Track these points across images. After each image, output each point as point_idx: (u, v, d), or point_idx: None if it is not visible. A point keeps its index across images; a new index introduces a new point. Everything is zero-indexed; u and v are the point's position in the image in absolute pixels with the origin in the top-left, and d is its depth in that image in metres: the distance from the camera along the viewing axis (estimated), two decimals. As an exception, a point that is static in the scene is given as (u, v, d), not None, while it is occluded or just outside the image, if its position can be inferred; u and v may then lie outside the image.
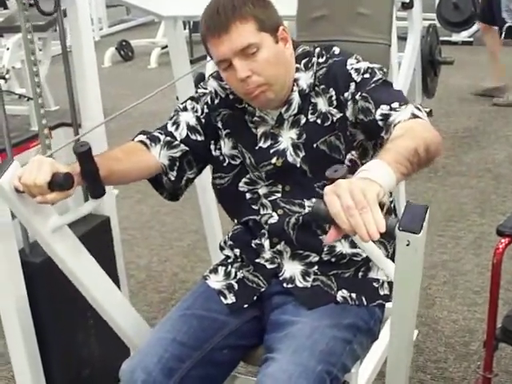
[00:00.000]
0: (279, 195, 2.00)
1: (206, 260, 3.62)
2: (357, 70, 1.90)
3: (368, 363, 2.45)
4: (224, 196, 2.12)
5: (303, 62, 1.98)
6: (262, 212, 2.02)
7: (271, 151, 1.98)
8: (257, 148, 2.00)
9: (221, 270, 2.12)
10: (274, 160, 1.98)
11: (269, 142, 1.99)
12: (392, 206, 2.08)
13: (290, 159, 1.96)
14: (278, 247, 1.99)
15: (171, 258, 3.98)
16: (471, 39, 8.91)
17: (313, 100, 1.95)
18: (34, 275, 2.18)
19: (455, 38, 8.71)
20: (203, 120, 2.06)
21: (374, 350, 2.12)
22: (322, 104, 1.94)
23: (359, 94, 1.85)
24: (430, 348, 3.00)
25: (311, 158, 1.95)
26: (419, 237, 1.36)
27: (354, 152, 1.94)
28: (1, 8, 8.56)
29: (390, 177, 1.47)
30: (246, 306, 2.02)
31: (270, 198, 2.01)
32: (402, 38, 5.02)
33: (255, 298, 2.02)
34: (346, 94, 1.89)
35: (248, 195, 2.05)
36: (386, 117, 1.76)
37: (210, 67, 5.45)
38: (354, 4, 2.31)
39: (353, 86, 1.88)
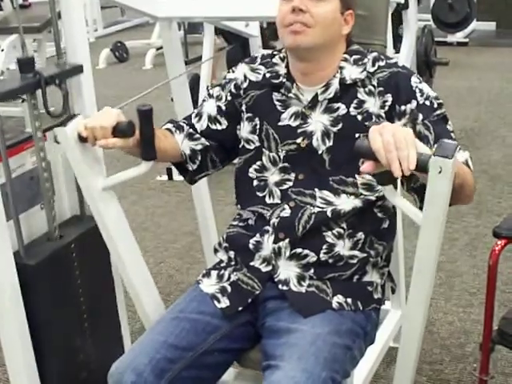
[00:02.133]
0: (291, 184, 2.01)
1: (201, 261, 3.62)
2: (421, 91, 1.95)
3: (364, 365, 2.45)
4: (237, 178, 2.15)
5: (354, 57, 2.02)
6: (268, 201, 2.03)
7: (299, 131, 2.00)
8: (284, 125, 2.02)
9: (213, 273, 2.11)
10: (299, 140, 2.00)
11: (298, 122, 2.01)
12: (392, 209, 2.10)
13: (314, 143, 1.98)
14: (280, 244, 1.98)
15: (166, 259, 3.97)
16: (466, 40, 8.93)
17: (360, 96, 1.98)
18: (29, 278, 2.17)
19: (450, 38, 8.72)
20: (224, 107, 2.13)
21: (368, 353, 2.11)
22: (371, 104, 1.96)
23: (421, 119, 1.89)
24: (426, 350, 3.00)
25: (338, 150, 1.97)
26: (451, 162, 1.52)
27: None
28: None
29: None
30: (240, 309, 2.00)
31: (281, 188, 2.02)
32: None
33: (249, 300, 2.01)
34: (403, 107, 1.93)
35: (255, 182, 2.06)
36: None
37: (205, 68, 5.45)
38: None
39: (414, 104, 1.92)
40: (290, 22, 1.93)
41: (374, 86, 1.97)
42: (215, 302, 2.02)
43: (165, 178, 5.13)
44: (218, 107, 2.14)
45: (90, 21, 10.24)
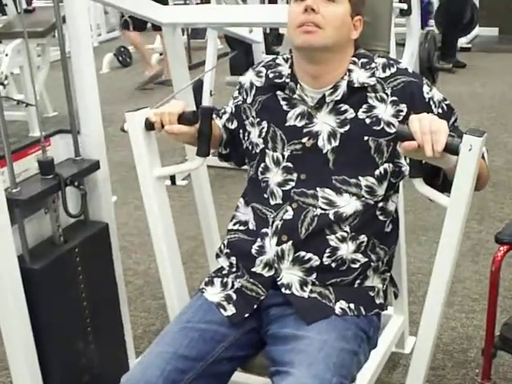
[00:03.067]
0: (293, 184, 2.02)
1: (205, 266, 3.62)
2: (433, 101, 2.03)
3: (366, 370, 2.45)
4: (248, 181, 2.17)
5: (362, 60, 2.05)
6: (272, 202, 2.04)
7: (304, 131, 2.03)
8: (290, 125, 2.05)
9: (217, 281, 2.11)
10: (304, 139, 2.02)
11: (304, 122, 2.03)
12: (394, 214, 2.11)
13: (320, 143, 2.00)
14: (284, 246, 1.98)
15: (169, 264, 3.97)
16: (469, 46, 8.94)
17: (371, 101, 2.00)
18: (33, 282, 2.18)
19: (453, 44, 8.72)
20: (234, 109, 2.22)
21: (371, 358, 2.11)
22: (382, 111, 1.99)
23: None
24: (428, 355, 2.99)
25: (343, 151, 1.99)
26: (480, 139, 1.75)
27: (390, 165, 2.00)
28: (-1, 14, 8.58)
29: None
30: (246, 315, 2.00)
31: (283, 188, 2.03)
32: (401, 45, 5.03)
33: (255, 306, 2.01)
34: None
35: (262, 184, 2.08)
36: None
37: (208, 73, 5.46)
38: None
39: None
40: (302, 21, 1.95)
41: (386, 94, 2.00)
42: (221, 311, 2.02)
43: (168, 182, 5.13)
44: (231, 108, 2.22)
45: (93, 25, 10.26)
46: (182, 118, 2.04)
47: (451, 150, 1.76)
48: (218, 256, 2.18)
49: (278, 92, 2.08)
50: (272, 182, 2.05)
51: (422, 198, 1.92)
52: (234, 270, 2.10)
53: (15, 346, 2.18)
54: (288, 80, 2.06)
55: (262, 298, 2.01)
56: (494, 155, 5.28)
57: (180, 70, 2.98)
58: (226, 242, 2.15)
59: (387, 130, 1.98)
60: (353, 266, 2.00)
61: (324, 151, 1.99)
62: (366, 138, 1.97)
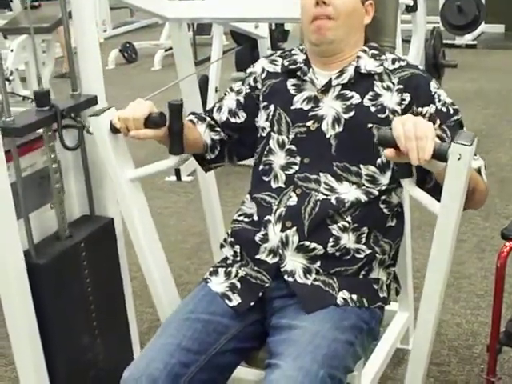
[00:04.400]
0: (297, 168, 2.03)
1: (210, 262, 3.61)
2: (439, 97, 2.02)
3: (371, 366, 2.46)
4: (253, 167, 2.17)
5: (372, 51, 2.10)
6: (274, 185, 2.04)
7: (310, 114, 2.05)
8: (297, 108, 2.07)
9: (221, 271, 2.12)
10: (309, 123, 2.05)
11: (310, 105, 2.06)
12: (399, 208, 2.11)
13: (323, 127, 2.02)
14: (288, 232, 1.98)
15: (174, 260, 3.96)
16: (475, 42, 8.92)
17: (377, 90, 2.03)
18: (39, 277, 2.18)
19: (459, 41, 8.72)
20: (243, 100, 2.20)
21: (376, 353, 2.12)
22: (387, 99, 2.02)
23: (439, 124, 1.93)
24: (433, 351, 2.96)
25: (346, 137, 2.01)
26: (470, 148, 1.61)
27: None
28: (5, 10, 8.58)
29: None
30: (252, 304, 2.00)
31: (286, 172, 2.04)
32: (406, 41, 5.02)
33: (260, 294, 2.00)
34: (420, 109, 1.98)
35: (261, 166, 2.10)
36: None
37: (213, 69, 5.46)
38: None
39: (433, 108, 1.99)
40: (314, 15, 2.00)
41: (393, 83, 2.02)
42: (226, 301, 2.02)
43: (173, 178, 5.14)
44: (238, 101, 2.20)
45: (99, 21, 10.26)
46: (149, 121, 1.93)
47: (439, 156, 1.66)
48: (222, 246, 2.19)
49: (290, 78, 2.11)
50: (276, 165, 2.07)
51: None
52: (239, 258, 2.10)
53: (21, 341, 2.19)
54: (302, 65, 2.10)
55: (267, 285, 2.00)
56: (500, 152, 5.27)
57: (186, 66, 2.99)
58: (229, 232, 2.16)
59: (392, 118, 1.98)
60: (357, 255, 2.00)
61: (327, 136, 2.01)
62: (369, 125, 1.99)
